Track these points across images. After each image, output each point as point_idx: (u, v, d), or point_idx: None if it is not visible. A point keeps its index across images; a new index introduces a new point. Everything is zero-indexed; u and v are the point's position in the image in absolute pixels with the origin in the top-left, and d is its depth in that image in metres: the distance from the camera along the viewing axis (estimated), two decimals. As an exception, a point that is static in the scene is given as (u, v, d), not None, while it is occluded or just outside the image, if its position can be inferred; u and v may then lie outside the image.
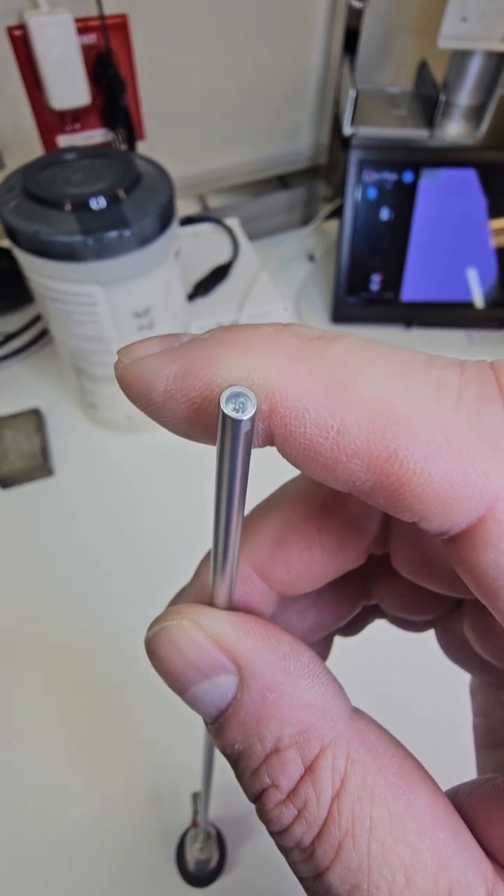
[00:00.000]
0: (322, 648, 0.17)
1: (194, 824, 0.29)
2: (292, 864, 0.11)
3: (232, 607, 0.12)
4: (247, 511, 0.14)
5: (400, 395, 0.09)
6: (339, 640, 0.17)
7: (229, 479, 0.09)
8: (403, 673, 0.34)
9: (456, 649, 0.15)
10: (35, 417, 0.46)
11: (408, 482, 0.08)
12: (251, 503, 0.14)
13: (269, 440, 0.09)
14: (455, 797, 0.11)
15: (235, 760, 0.11)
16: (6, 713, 0.34)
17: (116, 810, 0.31)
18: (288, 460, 0.09)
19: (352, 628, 0.17)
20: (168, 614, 0.12)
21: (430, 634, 0.17)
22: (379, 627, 0.18)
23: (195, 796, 0.29)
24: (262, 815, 0.11)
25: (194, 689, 0.11)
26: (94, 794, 0.32)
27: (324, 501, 0.13)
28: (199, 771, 0.22)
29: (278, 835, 0.10)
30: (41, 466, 0.44)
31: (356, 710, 0.11)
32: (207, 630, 0.11)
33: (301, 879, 0.10)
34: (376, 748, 0.10)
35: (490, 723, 0.15)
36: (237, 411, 0.08)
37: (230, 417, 0.08)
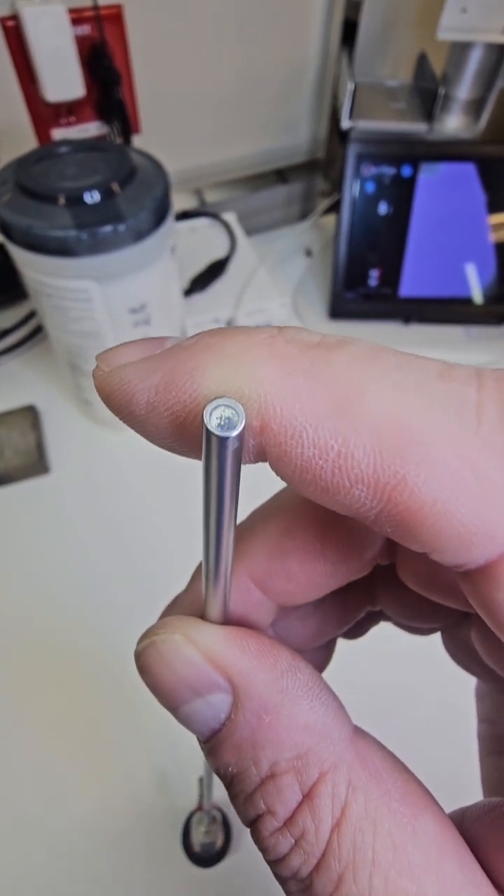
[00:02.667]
0: (324, 653, 0.16)
1: (200, 808, 0.29)
2: (289, 894, 0.10)
3: (227, 621, 0.11)
4: (243, 515, 0.13)
5: (412, 414, 0.08)
6: (340, 641, 0.17)
7: (217, 498, 0.08)
8: (405, 674, 0.34)
9: (463, 654, 0.15)
10: (30, 414, 0.46)
11: (419, 513, 0.08)
12: (248, 506, 0.14)
13: (262, 457, 0.09)
14: (462, 822, 0.10)
15: (229, 783, 0.11)
16: (9, 706, 0.34)
17: (124, 794, 0.31)
18: (283, 480, 0.09)
19: (355, 631, 0.17)
20: (159, 627, 0.11)
21: (435, 636, 0.16)
22: (381, 627, 0.17)
23: (201, 780, 0.29)
24: (258, 842, 0.10)
25: (186, 707, 0.10)
26: (102, 779, 0.32)
27: (327, 509, 0.12)
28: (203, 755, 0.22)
29: (274, 864, 0.10)
30: (37, 464, 0.43)
31: (357, 731, 0.11)
32: (200, 645, 0.10)
33: None
34: (379, 772, 0.10)
35: (497, 729, 0.15)
36: (223, 427, 0.07)
37: (215, 434, 0.07)
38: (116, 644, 0.35)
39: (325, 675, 0.12)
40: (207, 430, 0.07)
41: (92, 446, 0.46)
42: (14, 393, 0.48)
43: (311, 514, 0.12)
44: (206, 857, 0.29)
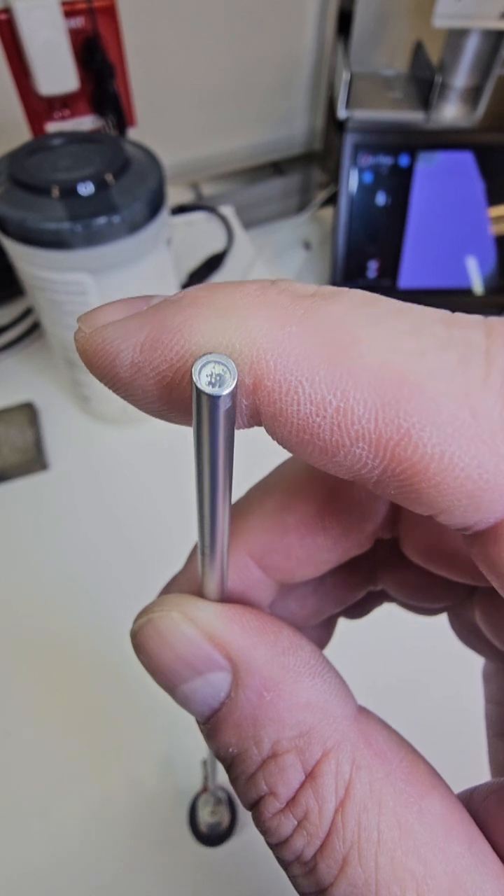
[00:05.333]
0: (324, 631, 0.16)
1: (205, 789, 0.30)
2: (293, 879, 0.10)
3: (225, 598, 0.11)
4: (241, 493, 0.13)
5: (414, 362, 0.07)
6: (342, 621, 0.17)
7: (210, 464, 0.08)
8: (411, 655, 0.34)
9: (470, 634, 0.15)
10: (28, 411, 0.45)
11: (424, 470, 0.07)
12: (245, 484, 0.14)
13: (256, 419, 0.08)
14: (470, 801, 0.10)
15: (230, 764, 0.10)
16: (11, 699, 0.34)
17: (130, 778, 0.32)
18: (279, 443, 0.08)
19: (357, 611, 0.16)
20: (156, 605, 0.11)
21: (441, 616, 0.16)
22: (385, 608, 0.17)
23: (205, 763, 0.30)
24: (259, 824, 0.10)
25: (184, 686, 0.10)
26: (107, 764, 0.32)
27: (326, 481, 0.12)
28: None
29: (277, 847, 0.10)
30: (35, 460, 0.43)
31: (362, 710, 0.10)
32: (199, 622, 0.10)
33: (302, 895, 0.10)
34: (384, 752, 0.10)
35: None
36: (213, 385, 0.07)
37: (205, 393, 0.07)
38: (116, 637, 0.35)
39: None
40: (197, 389, 0.07)
41: (90, 442, 0.45)
42: (12, 390, 0.48)
43: (311, 489, 0.12)
44: (212, 837, 0.30)
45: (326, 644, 0.16)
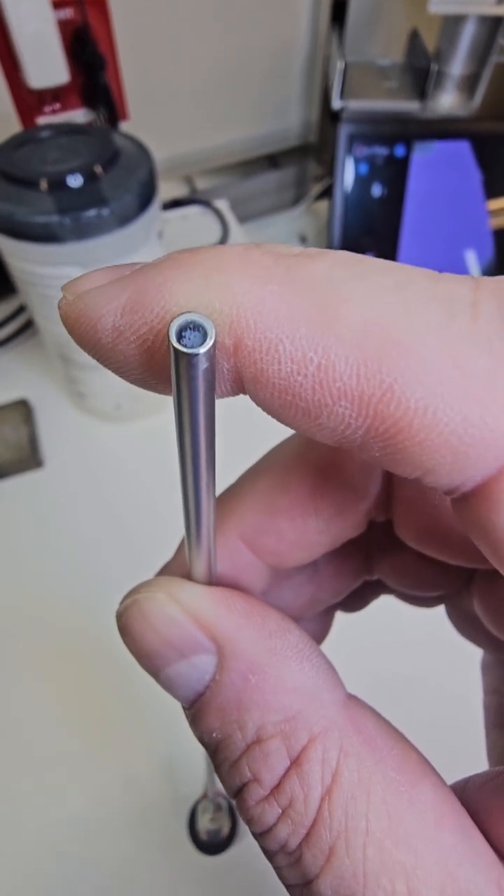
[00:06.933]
0: (322, 624, 0.16)
1: (205, 795, 0.29)
2: (278, 871, 0.09)
3: (213, 581, 0.11)
4: (233, 476, 0.13)
5: (398, 316, 0.07)
6: (340, 616, 0.16)
7: (192, 431, 0.08)
8: (408, 647, 0.34)
9: (468, 625, 0.14)
10: (22, 408, 0.45)
11: (408, 426, 0.07)
12: (232, 472, 0.13)
13: (239, 385, 0.08)
14: (464, 791, 0.10)
15: (214, 750, 0.10)
16: (10, 702, 0.34)
17: (129, 783, 0.31)
18: (263, 409, 0.08)
19: (355, 603, 0.16)
20: (141, 586, 0.11)
21: (439, 608, 0.16)
22: (383, 603, 0.17)
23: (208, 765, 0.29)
24: (243, 813, 0.09)
25: (169, 669, 0.10)
26: (106, 768, 0.32)
27: (318, 462, 0.12)
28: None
29: (261, 836, 0.09)
30: (30, 458, 0.43)
31: (351, 697, 0.10)
32: (184, 604, 0.10)
33: (288, 887, 0.09)
34: (374, 739, 0.09)
35: (503, 701, 0.14)
36: (190, 343, 0.07)
37: (181, 352, 0.07)
38: (114, 635, 0.35)
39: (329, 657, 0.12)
40: (174, 349, 0.07)
41: (85, 439, 0.45)
42: (5, 387, 0.47)
43: (302, 470, 0.12)
44: (212, 845, 0.29)
45: (324, 637, 0.16)
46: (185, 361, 0.07)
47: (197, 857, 0.29)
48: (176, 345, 0.07)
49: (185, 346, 0.07)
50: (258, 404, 0.08)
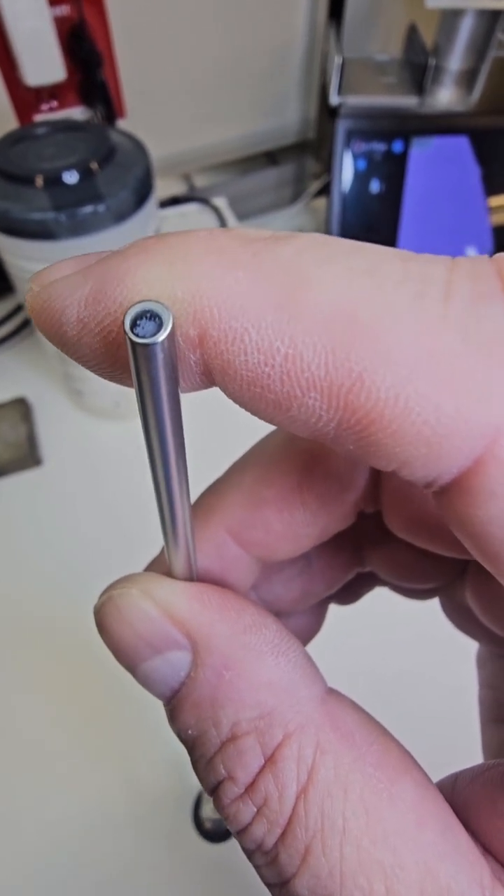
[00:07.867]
0: (314, 618, 0.16)
1: None
2: (257, 869, 0.09)
3: (194, 576, 0.11)
4: (219, 472, 0.13)
5: (367, 300, 0.06)
6: (333, 610, 0.16)
7: (157, 426, 0.07)
8: (403, 640, 0.34)
9: (462, 617, 0.14)
10: (21, 406, 0.45)
11: (380, 417, 0.06)
12: (218, 468, 0.13)
13: (209, 378, 0.07)
14: (454, 786, 0.10)
15: (191, 747, 0.10)
16: (12, 698, 0.34)
17: (133, 773, 0.31)
18: (234, 401, 0.08)
19: (349, 596, 0.16)
20: (118, 583, 0.11)
21: (433, 601, 0.15)
22: (377, 596, 0.16)
23: None
24: (220, 811, 0.09)
25: (144, 665, 0.10)
26: (110, 759, 0.32)
27: (304, 454, 0.11)
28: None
29: (238, 835, 0.09)
30: (28, 456, 0.43)
31: (331, 692, 0.10)
32: (158, 600, 0.10)
33: (267, 886, 0.09)
34: (352, 735, 0.09)
35: (498, 695, 0.14)
36: (145, 333, 0.06)
37: (135, 342, 0.06)
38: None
39: (322, 658, 0.12)
40: (129, 340, 0.06)
41: (84, 437, 0.45)
42: (4, 385, 0.47)
43: (289, 462, 0.11)
44: (216, 833, 0.30)
45: (317, 631, 0.16)
46: (141, 352, 0.06)
47: (201, 846, 0.29)
48: (129, 334, 0.06)
49: (138, 335, 0.06)
50: (229, 396, 0.08)
